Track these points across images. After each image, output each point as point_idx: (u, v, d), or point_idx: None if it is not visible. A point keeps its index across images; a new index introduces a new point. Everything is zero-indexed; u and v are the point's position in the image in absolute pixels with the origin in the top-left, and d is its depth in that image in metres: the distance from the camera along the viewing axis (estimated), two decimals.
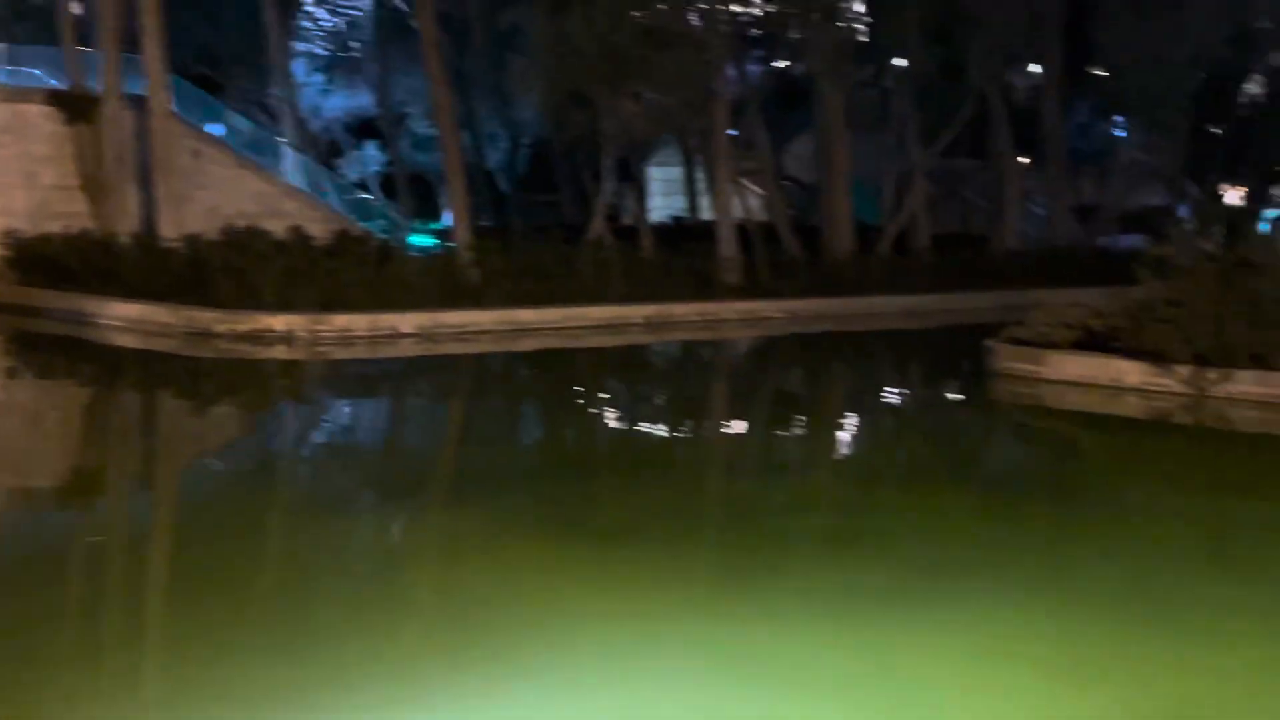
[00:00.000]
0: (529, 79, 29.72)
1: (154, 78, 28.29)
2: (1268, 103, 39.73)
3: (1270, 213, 39.48)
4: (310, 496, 11.24)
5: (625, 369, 21.41)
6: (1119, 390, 16.02)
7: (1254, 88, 39.66)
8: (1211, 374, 15.21)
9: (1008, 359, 17.61)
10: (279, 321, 22.01)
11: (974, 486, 11.72)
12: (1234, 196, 42.72)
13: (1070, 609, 7.42)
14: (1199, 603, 7.66)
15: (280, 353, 20.89)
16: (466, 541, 9.08)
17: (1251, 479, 12.09)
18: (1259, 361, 15.12)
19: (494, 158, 42.35)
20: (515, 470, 12.13)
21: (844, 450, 14.00)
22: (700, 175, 40.96)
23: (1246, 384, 15.11)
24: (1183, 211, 40.49)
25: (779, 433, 14.93)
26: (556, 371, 20.68)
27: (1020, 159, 38.06)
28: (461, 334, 23.27)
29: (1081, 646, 6.77)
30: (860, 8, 35.16)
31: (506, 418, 16.03)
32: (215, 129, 33.31)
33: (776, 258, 30.84)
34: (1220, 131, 39.35)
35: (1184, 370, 15.41)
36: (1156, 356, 15.73)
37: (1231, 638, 6.98)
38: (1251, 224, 32.60)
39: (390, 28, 39.06)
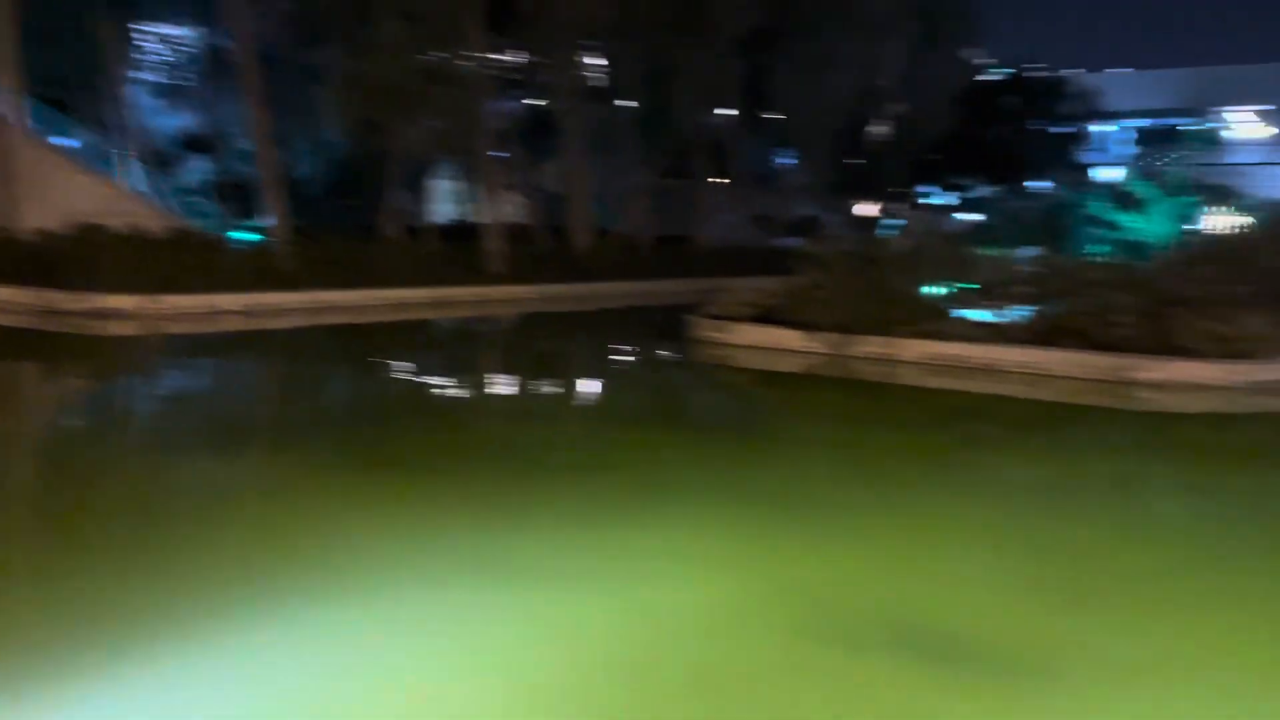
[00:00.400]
0: (331, 107, 28.69)
1: (11, 99, 26.64)
2: (888, 141, 41.79)
3: (892, 221, 41.63)
4: (144, 444, 10.59)
5: (412, 338, 21.01)
6: (783, 352, 16.63)
7: (879, 129, 41.62)
8: (846, 339, 15.97)
9: (704, 329, 18.09)
10: (121, 301, 20.72)
11: (678, 425, 11.97)
12: (867, 210, 44.82)
13: (738, 516, 7.68)
14: (838, 507, 8.03)
15: (122, 328, 19.62)
16: (279, 479, 8.76)
17: (878, 414, 12.72)
18: (881, 329, 15.94)
19: (306, 168, 40.64)
20: (319, 419, 11.76)
21: (580, 399, 14.08)
22: (474, 186, 40.44)
23: (872, 346, 15.92)
24: (830, 220, 42.35)
25: (531, 386, 14.91)
26: (356, 341, 20.12)
27: (715, 179, 38.98)
28: (278, 311, 22.46)
29: (736, 544, 7.01)
30: (598, 60, 35.30)
31: (313, 378, 15.49)
32: (66, 142, 31.15)
33: (533, 252, 30.80)
34: (856, 161, 41.17)
35: (829, 336, 16.13)
36: (809, 326, 16.40)
37: (859, 532, 7.36)
38: (877, 229, 34.34)
39: (215, 60, 36.98)
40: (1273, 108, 58.36)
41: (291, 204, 27.56)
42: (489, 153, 30.48)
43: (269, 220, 26.95)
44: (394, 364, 17.02)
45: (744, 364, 16.43)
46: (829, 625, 5.56)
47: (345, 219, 33.17)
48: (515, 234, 31.69)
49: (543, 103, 36.54)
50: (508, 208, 33.53)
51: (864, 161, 41.00)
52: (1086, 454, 10.61)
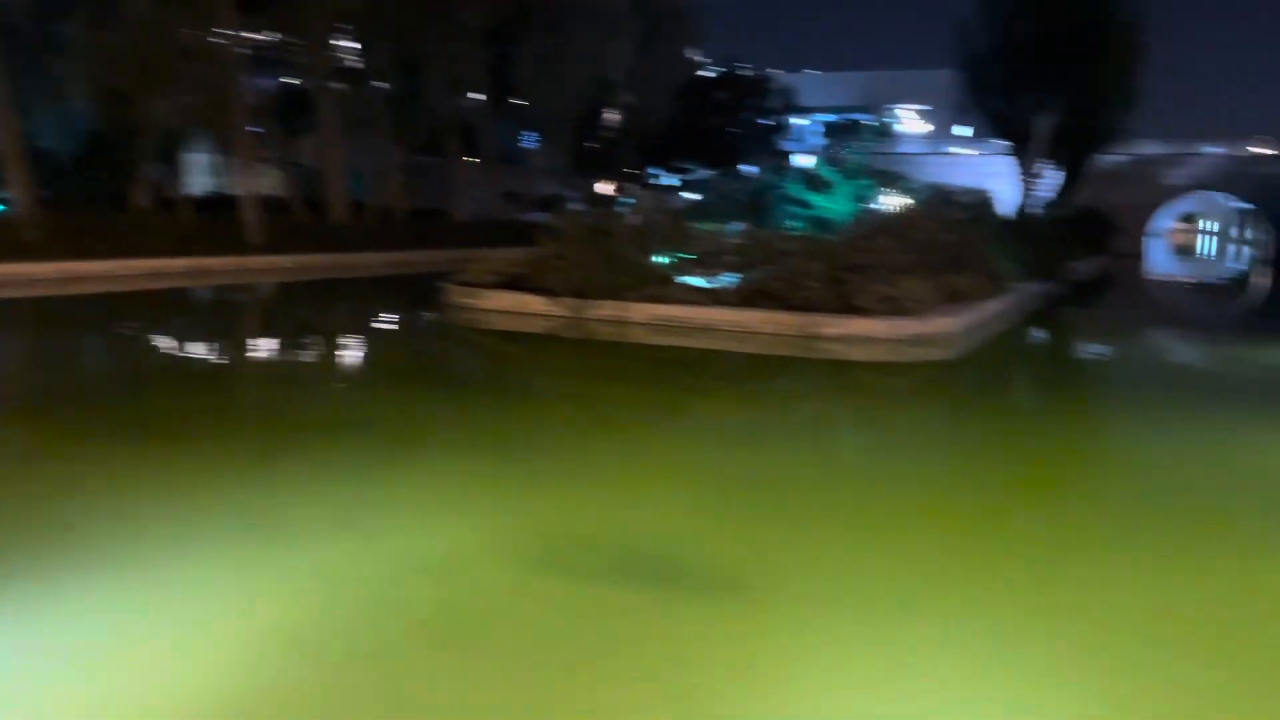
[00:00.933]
0: (76, 78, 25.84)
1: None
2: (620, 127, 42.35)
3: (626, 199, 42.30)
4: None
5: (167, 307, 19.38)
6: (528, 315, 16.56)
7: (611, 117, 42.08)
8: (584, 303, 16.11)
9: (456, 295, 17.73)
10: None
11: (430, 383, 11.68)
12: (604, 188, 45.31)
13: (482, 465, 7.61)
14: (575, 452, 8.09)
15: None
16: (44, 447, 7.88)
17: (611, 369, 12.90)
18: (614, 294, 16.17)
19: (54, 140, 36.49)
20: (76, 389, 10.64)
21: (342, 362, 13.49)
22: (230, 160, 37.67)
23: (606, 309, 16.13)
24: (572, 197, 42.50)
25: (289, 351, 14.14)
26: (108, 310, 18.33)
27: (467, 158, 38.21)
28: (25, 282, 20.14)
29: (479, 491, 6.96)
30: (351, 43, 33.64)
31: (63, 347, 14.02)
32: None
33: (290, 224, 29.14)
34: (593, 145, 41.48)
35: (568, 301, 16.20)
36: (551, 292, 16.41)
37: (593, 475, 7.44)
38: (614, 206, 34.75)
39: None
40: (929, 108, 63.46)
41: (38, 175, 24.72)
42: (244, 128, 28.47)
43: (11, 191, 24.07)
44: (148, 333, 15.66)
45: (492, 327, 16.23)
46: (563, 559, 5.59)
47: (96, 190, 30.14)
48: (272, 206, 29.85)
49: (297, 81, 34.53)
50: (264, 181, 31.49)
51: (599, 145, 41.37)
52: (785, 398, 11.22)
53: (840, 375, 12.98)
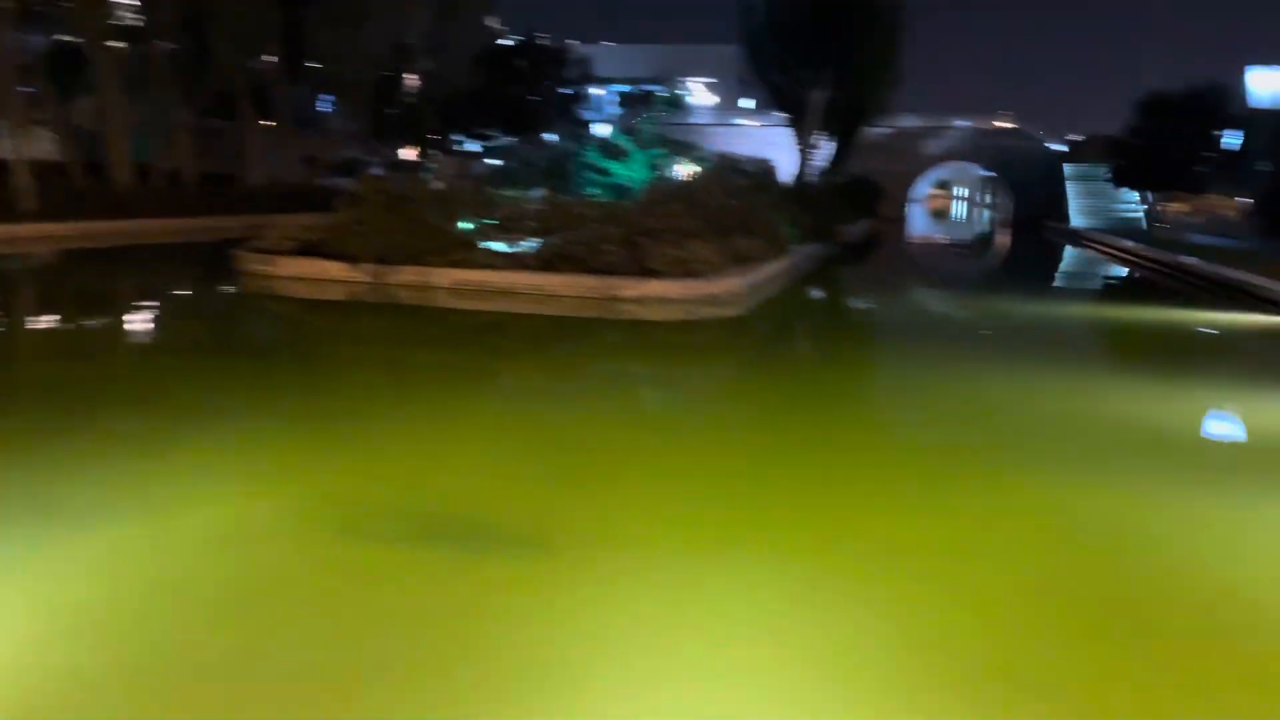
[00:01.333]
0: None
1: None
2: (421, 93, 40.93)
3: (430, 165, 41.05)
4: None
5: None
6: (328, 282, 15.87)
7: (412, 82, 40.61)
8: (386, 269, 15.60)
9: (251, 262, 16.75)
10: None
11: (225, 353, 11.01)
12: (407, 154, 43.79)
13: (284, 433, 7.28)
14: (379, 418, 7.85)
15: None
16: None
17: (415, 334, 12.58)
18: (416, 259, 15.73)
19: None
20: None
21: (128, 333, 12.48)
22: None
23: (409, 274, 15.68)
24: (373, 162, 40.87)
25: (73, 324, 12.97)
26: None
27: (263, 121, 35.90)
28: None
29: (281, 460, 6.68)
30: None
31: None
32: None
33: (69, 189, 26.52)
34: (394, 110, 39.89)
35: (369, 267, 15.64)
36: (352, 258, 15.78)
37: (399, 439, 7.25)
38: (416, 172, 33.71)
39: None
40: (717, 81, 64.91)
41: None
42: (13, 88, 25.54)
43: None
44: None
45: (291, 294, 15.43)
46: (368, 525, 5.45)
47: None
48: (48, 171, 27.06)
49: (72, 39, 31.28)
50: (39, 144, 28.47)
51: (400, 110, 39.84)
52: (586, 358, 11.30)
53: (637, 335, 13.20)
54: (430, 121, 41.02)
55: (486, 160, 40.41)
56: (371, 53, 34.91)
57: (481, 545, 5.20)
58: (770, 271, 18.19)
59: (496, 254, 15.88)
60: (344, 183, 28.55)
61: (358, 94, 36.75)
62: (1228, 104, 36.52)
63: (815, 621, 4.43)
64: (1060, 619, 4.55)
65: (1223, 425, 8.79)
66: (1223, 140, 36.54)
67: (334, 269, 15.88)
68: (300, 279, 15.97)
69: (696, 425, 8.12)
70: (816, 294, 19.42)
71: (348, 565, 4.92)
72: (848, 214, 34.22)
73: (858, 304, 18.67)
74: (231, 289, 15.97)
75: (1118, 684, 3.99)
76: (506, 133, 43.53)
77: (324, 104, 43.88)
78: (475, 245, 16.08)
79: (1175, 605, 4.74)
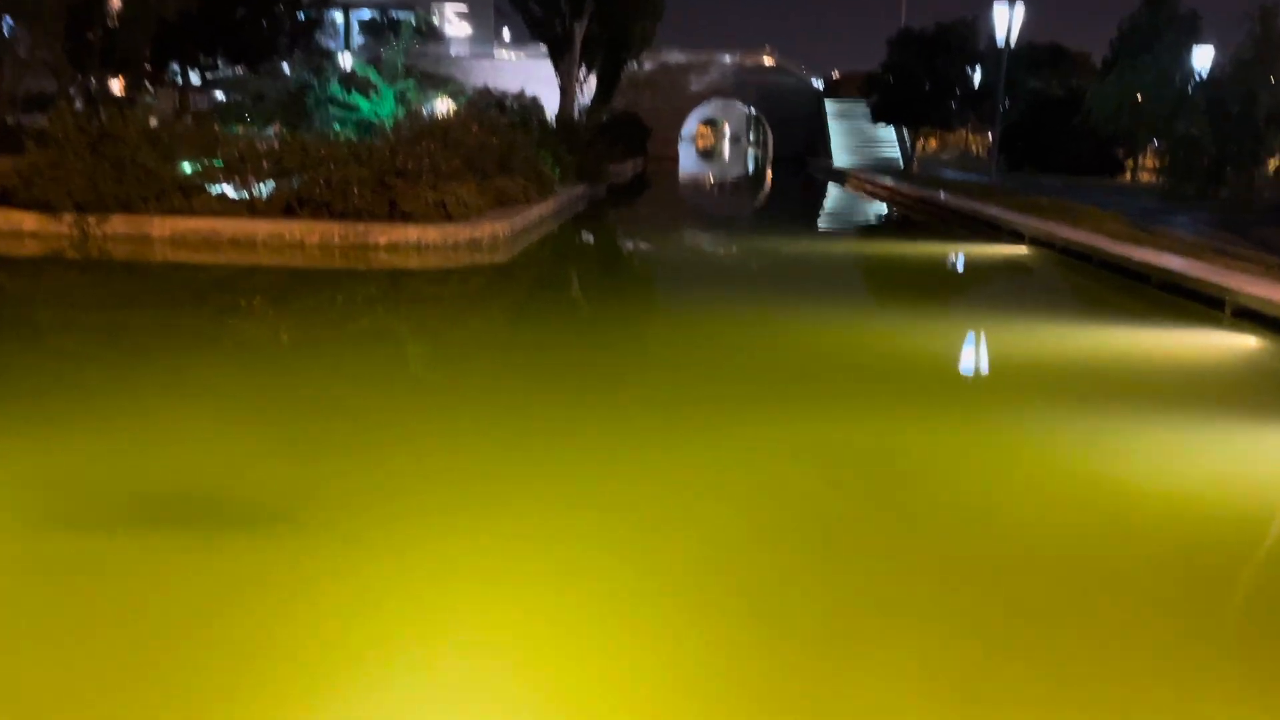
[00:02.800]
0: None
1: None
2: (130, 15, 37.26)
3: (143, 99, 37.59)
4: None
5: None
6: (20, 236, 14.33)
7: (116, 2, 36.87)
8: (92, 219, 14.28)
9: None
10: None
11: None
12: (115, 86, 39.91)
13: None
14: (98, 392, 7.25)
15: None
16: None
17: (131, 295, 11.64)
18: (129, 206, 14.51)
19: None
20: None
21: None
22: None
23: (121, 224, 14.45)
24: (73, 95, 36.95)
25: None
26: None
27: None
28: None
29: None
30: None
31: None
32: None
33: None
34: (96, 34, 36.08)
35: (69, 217, 14.25)
36: (49, 207, 14.32)
37: (120, 414, 6.73)
38: (125, 106, 30.73)
39: None
40: (471, 9, 63.36)
41: None
42: None
43: None
44: None
45: None
46: (81, 512, 5.01)
47: None
48: None
49: None
50: None
51: (102, 34, 36.09)
52: (333, 314, 10.86)
53: (392, 285, 12.85)
54: (141, 49, 37.50)
55: (212, 93, 37.60)
56: None
57: (217, 525, 4.92)
58: (535, 214, 18.17)
59: (226, 200, 14.92)
60: (35, 120, 25.64)
61: (46, 13, 32.90)
62: (975, 40, 39.74)
63: (577, 571, 4.53)
64: (785, 544, 4.90)
65: (968, 351, 9.73)
66: (976, 77, 39.77)
67: (26, 220, 14.33)
68: None
69: (452, 383, 8.03)
70: (584, 238, 19.60)
71: (53, 560, 4.51)
72: (616, 153, 34.67)
73: (626, 247, 19.04)
74: None
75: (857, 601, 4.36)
76: (234, 62, 40.60)
77: (3, 26, 38.99)
78: (200, 190, 15.01)
79: (925, 519, 5.23)
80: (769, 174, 48.26)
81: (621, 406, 7.36)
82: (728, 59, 58.55)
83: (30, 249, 13.86)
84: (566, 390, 7.79)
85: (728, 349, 9.45)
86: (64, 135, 15.02)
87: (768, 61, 59.59)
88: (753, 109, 64.88)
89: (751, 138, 79.51)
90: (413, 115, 20.94)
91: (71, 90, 37.43)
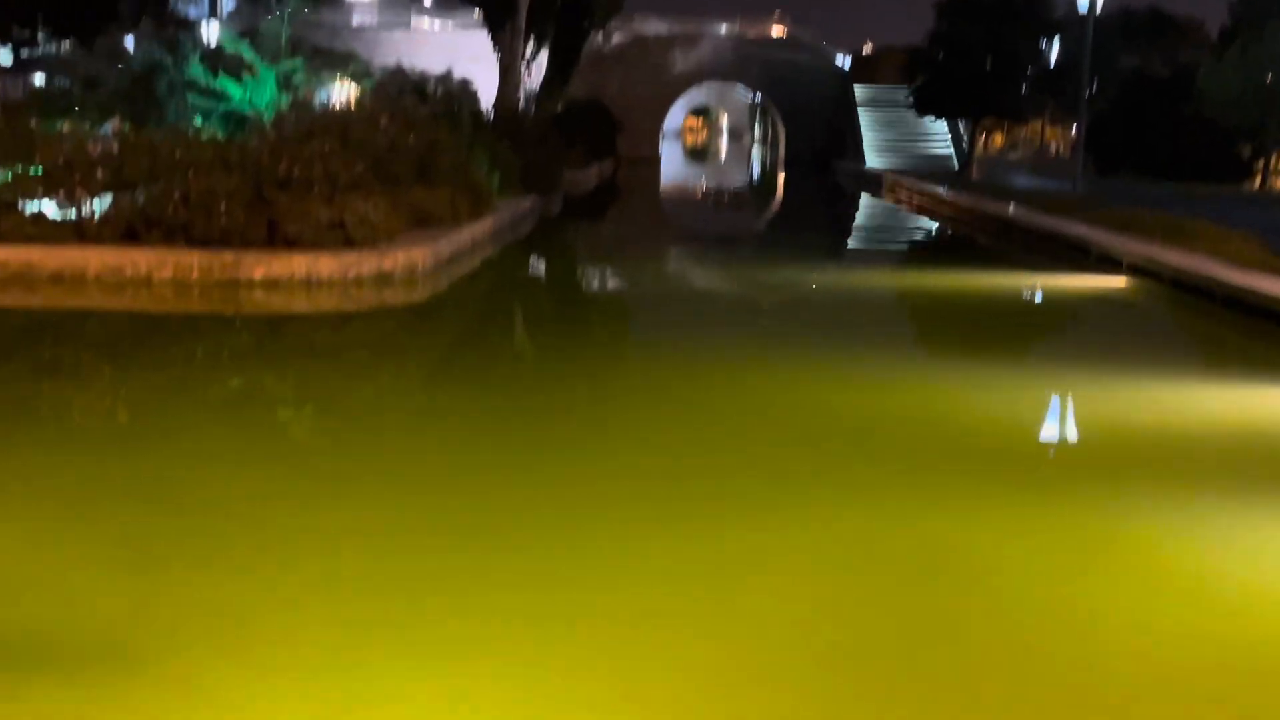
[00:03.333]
0: None
1: None
2: None
3: None
4: None
5: None
6: None
7: None
8: None
9: None
10: None
11: None
12: None
13: None
14: None
15: None
16: None
17: None
18: None
19: None
20: None
21: None
22: None
23: None
24: None
25: None
26: None
27: None
28: None
29: None
30: None
31: None
32: None
33: None
34: None
35: None
36: None
37: None
38: None
39: None
40: None
41: None
42: None
43: None
44: None
45: None
46: None
47: None
48: None
49: None
50: None
51: None
52: (188, 376, 10.79)
53: (270, 336, 12.83)
54: None
55: (26, 77, 37.72)
56: None
57: (25, 671, 4.83)
58: (466, 238, 18.26)
59: (44, 221, 14.90)
60: None
61: None
62: (1052, 6, 40.39)
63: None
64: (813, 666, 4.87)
65: (1049, 420, 9.78)
66: (1053, 53, 40.37)
67: None
68: None
69: (349, 467, 7.99)
70: (532, 269, 19.72)
71: None
72: (575, 154, 35.01)
73: (588, 281, 19.15)
74: None
75: None
76: (57, 37, 40.82)
77: None
78: (10, 208, 15.01)
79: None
80: (780, 180, 48.85)
81: (584, 497, 7.32)
82: (724, 30, 59.52)
83: None
84: (507, 474, 7.75)
85: (724, 417, 9.45)
86: None
87: (777, 33, 60.68)
88: (758, 95, 65.84)
89: (756, 133, 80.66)
90: (301, 105, 21.12)
91: None
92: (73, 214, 15.20)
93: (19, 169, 15.85)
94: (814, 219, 33.91)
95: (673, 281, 19.24)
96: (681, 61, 58.31)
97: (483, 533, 6.64)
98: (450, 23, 56.60)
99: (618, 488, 7.58)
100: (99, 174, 15.66)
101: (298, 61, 23.57)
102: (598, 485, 7.64)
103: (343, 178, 15.84)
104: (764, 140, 75.73)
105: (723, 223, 32.65)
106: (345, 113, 20.24)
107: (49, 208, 15.34)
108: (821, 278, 19.23)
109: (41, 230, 14.79)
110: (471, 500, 7.23)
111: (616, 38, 51.58)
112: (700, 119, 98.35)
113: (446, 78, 27.46)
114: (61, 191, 15.40)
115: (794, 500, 7.36)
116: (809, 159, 54.34)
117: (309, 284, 14.47)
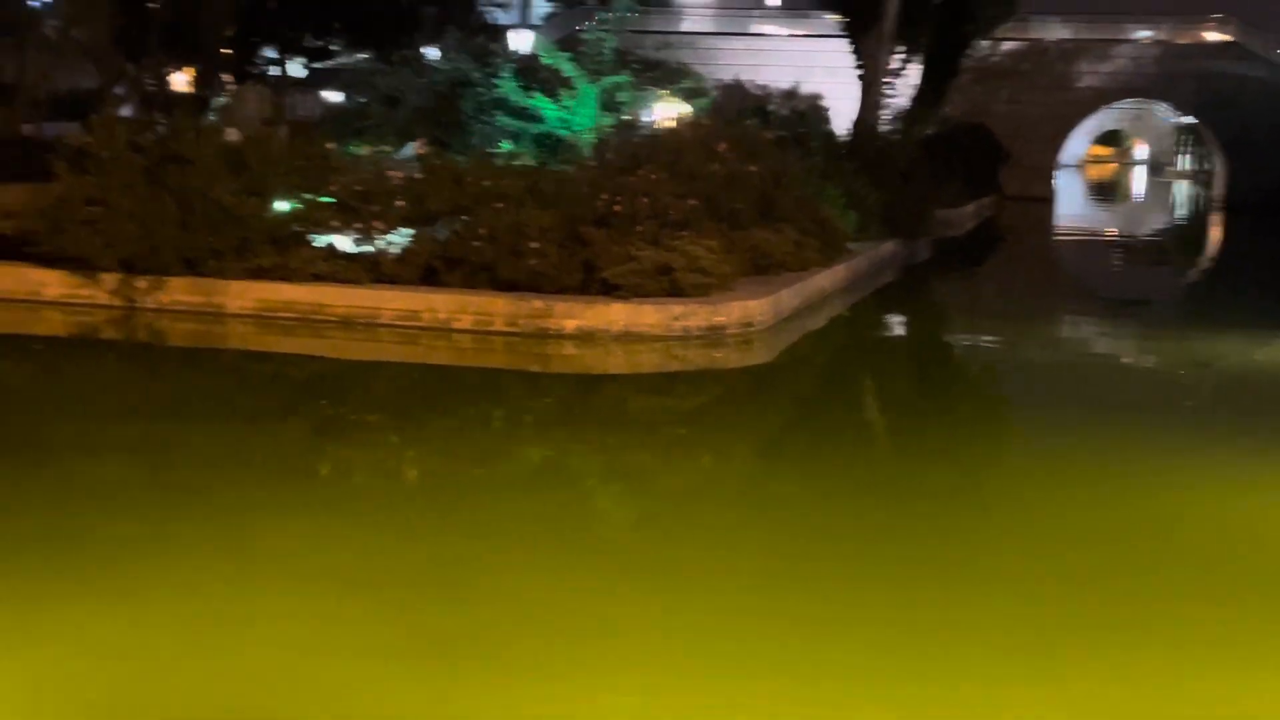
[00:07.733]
0: None
1: None
2: None
3: (219, 100, 41.05)
4: None
5: None
6: (36, 304, 15.70)
7: None
8: (142, 282, 15.47)
9: None
10: None
11: None
12: (180, 82, 43.77)
13: None
14: (115, 543, 7.78)
15: None
16: None
17: (190, 398, 12.46)
18: (195, 265, 15.61)
19: None
20: None
21: None
22: None
23: (181, 291, 15.56)
24: (123, 95, 40.71)
25: None
26: None
27: None
28: None
29: None
30: None
31: None
32: None
33: None
34: (156, 4, 39.92)
35: (112, 278, 15.50)
36: (80, 263, 15.63)
37: (142, 581, 7.19)
38: (195, 112, 33.63)
39: None
40: None
41: None
42: None
43: None
44: None
45: None
46: None
47: None
48: None
49: None
50: None
51: (166, 8, 39.91)
52: (492, 443, 11.21)
53: (583, 400, 13.15)
54: (219, 26, 41.07)
55: (321, 93, 40.58)
56: None
57: None
58: (813, 289, 18.30)
59: (337, 256, 15.79)
60: (72, 131, 28.39)
61: None
62: None
63: None
64: None
65: None
66: None
67: (50, 282, 15.76)
68: None
69: (678, 566, 8.07)
70: (891, 330, 19.54)
71: None
72: (950, 189, 34.65)
73: (963, 351, 18.78)
74: None
75: None
76: (354, 46, 43.75)
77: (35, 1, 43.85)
78: (299, 241, 16.00)
79: None
80: (1217, 229, 46.71)
81: (986, 638, 7.16)
82: (1145, 35, 57.67)
83: (51, 324, 15.18)
84: (879, 599, 7.65)
85: (1170, 538, 9.07)
86: (108, 156, 16.47)
87: (1218, 39, 58.26)
88: (1188, 119, 63.36)
89: (1185, 164, 77.63)
90: (625, 128, 21.79)
91: (119, 88, 41.39)
92: (368, 248, 15.97)
93: (310, 197, 16.86)
94: (1265, 279, 32.12)
95: (1071, 350, 18.61)
96: (1088, 75, 56.95)
97: (857, 629, 6.60)
98: (799, 28, 57.09)
99: (1040, 617, 7.40)
100: (397, 205, 16.55)
101: (623, 77, 24.28)
102: (1009, 612, 7.48)
103: (672, 214, 16.15)
104: (1197, 175, 72.80)
105: (1139, 281, 31.43)
106: (676, 137, 20.64)
107: (341, 241, 16.18)
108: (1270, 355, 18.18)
109: (333, 267, 15.63)
110: (841, 625, 7.20)
111: (1006, 45, 50.82)
112: (1109, 148, 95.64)
113: (793, 94, 27.75)
114: (356, 224, 16.25)
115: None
116: (1257, 202, 51.68)
117: (627, 338, 14.83)
